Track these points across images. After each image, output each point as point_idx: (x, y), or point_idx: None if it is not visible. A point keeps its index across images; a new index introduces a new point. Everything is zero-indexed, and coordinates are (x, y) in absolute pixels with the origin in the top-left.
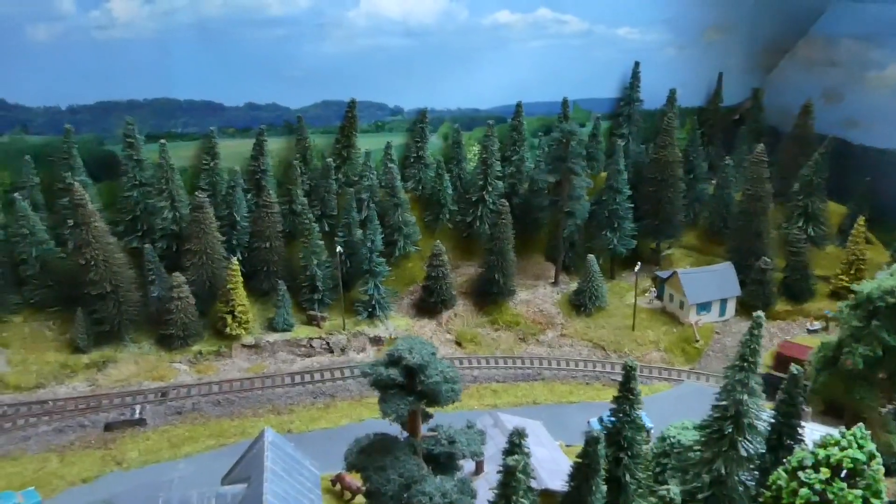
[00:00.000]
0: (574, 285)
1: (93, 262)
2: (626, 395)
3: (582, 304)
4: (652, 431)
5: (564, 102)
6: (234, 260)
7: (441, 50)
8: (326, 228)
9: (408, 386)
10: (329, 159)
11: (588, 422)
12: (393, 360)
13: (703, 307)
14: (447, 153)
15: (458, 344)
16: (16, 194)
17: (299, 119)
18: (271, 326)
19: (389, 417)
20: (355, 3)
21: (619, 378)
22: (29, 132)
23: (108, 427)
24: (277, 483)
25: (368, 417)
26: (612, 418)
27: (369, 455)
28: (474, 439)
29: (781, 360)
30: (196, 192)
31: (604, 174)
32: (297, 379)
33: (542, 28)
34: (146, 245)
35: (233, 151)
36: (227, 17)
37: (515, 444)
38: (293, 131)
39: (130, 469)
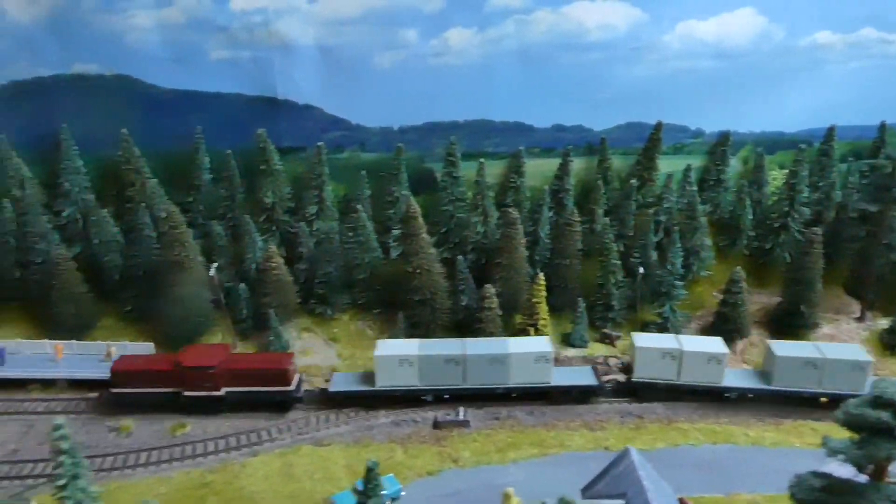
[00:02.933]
0: (884, 323)
1: (418, 271)
2: None
3: None
4: None
5: (882, 127)
6: (541, 275)
7: (751, 72)
8: (622, 248)
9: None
10: (633, 181)
11: None
12: (884, 402)
13: None
14: (747, 177)
15: None
16: (358, 205)
17: (602, 141)
18: (567, 342)
19: (842, 457)
20: (671, 27)
21: None
22: (365, 150)
23: (437, 425)
24: (659, 501)
25: (683, 443)
26: None
27: (831, 495)
28: None
29: None
30: (508, 209)
31: None
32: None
33: (863, 48)
34: (458, 256)
35: (536, 170)
36: (548, 43)
37: None
38: (595, 152)
39: (466, 468)
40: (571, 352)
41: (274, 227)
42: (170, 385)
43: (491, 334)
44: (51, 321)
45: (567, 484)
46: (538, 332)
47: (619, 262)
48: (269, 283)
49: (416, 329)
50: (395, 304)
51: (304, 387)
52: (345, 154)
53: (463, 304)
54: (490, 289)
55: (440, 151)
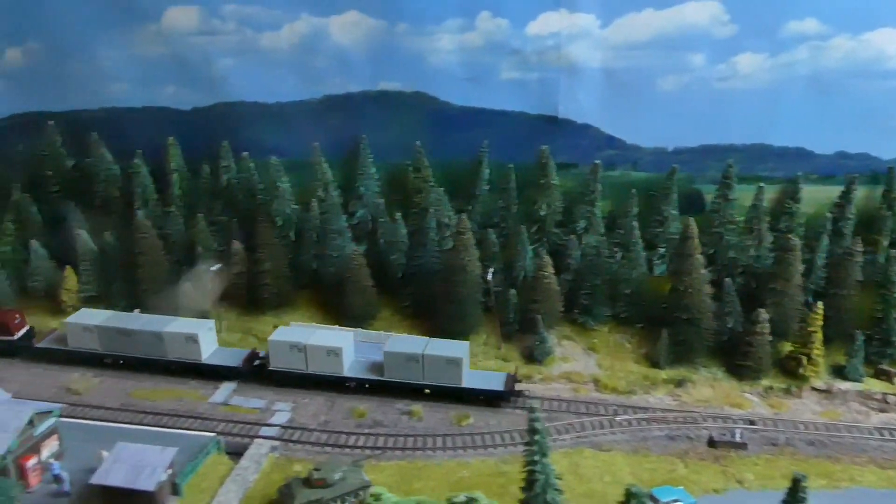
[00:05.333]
0: None
1: (689, 290)
2: None
3: None
4: None
5: None
6: (819, 304)
7: None
8: None
9: None
10: None
11: None
12: None
13: None
14: None
15: None
16: (633, 222)
17: (890, 170)
18: (841, 374)
19: None
20: None
21: None
22: (636, 168)
23: (712, 443)
24: None
25: None
26: None
27: None
28: None
29: None
30: (788, 235)
31: None
32: (887, 434)
33: None
34: (726, 279)
35: (811, 196)
36: (843, 69)
37: None
38: (879, 181)
39: (752, 490)
40: (845, 385)
41: (544, 238)
42: None
43: (759, 359)
44: (340, 309)
45: None
46: (811, 362)
47: None
48: (538, 291)
49: (680, 346)
50: (659, 321)
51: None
52: (616, 172)
53: (728, 325)
54: (763, 314)
55: (712, 174)
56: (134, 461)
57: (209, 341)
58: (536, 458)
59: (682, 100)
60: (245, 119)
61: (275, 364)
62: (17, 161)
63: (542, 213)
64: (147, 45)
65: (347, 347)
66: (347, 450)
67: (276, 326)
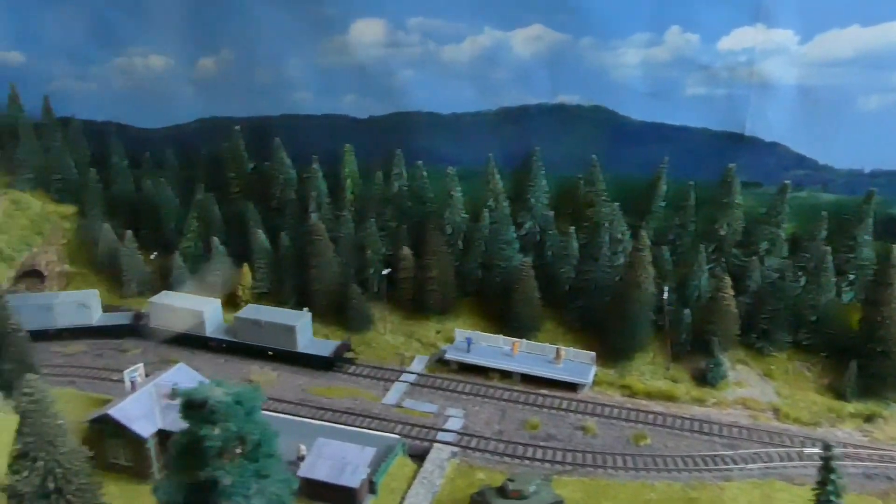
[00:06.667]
0: None
1: (885, 320)
2: None
3: None
4: None
5: None
6: None
7: None
8: None
9: None
10: None
11: None
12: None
13: None
14: None
15: None
16: (826, 247)
17: None
18: None
19: None
20: None
21: None
22: (826, 190)
23: None
24: None
25: None
26: None
27: None
28: None
29: None
30: None
31: None
32: None
33: None
34: None
35: None
36: None
37: None
38: None
39: None
40: None
41: (722, 258)
42: None
43: None
44: (505, 319)
45: None
46: None
47: None
48: (715, 312)
49: (870, 379)
50: (846, 351)
51: None
52: (803, 193)
53: None
54: None
55: None
56: (336, 457)
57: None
58: (832, 498)
59: (884, 120)
60: (419, 128)
61: (155, 323)
62: (201, 163)
63: (722, 232)
64: (332, 55)
65: (208, 312)
66: (526, 462)
67: (438, 332)
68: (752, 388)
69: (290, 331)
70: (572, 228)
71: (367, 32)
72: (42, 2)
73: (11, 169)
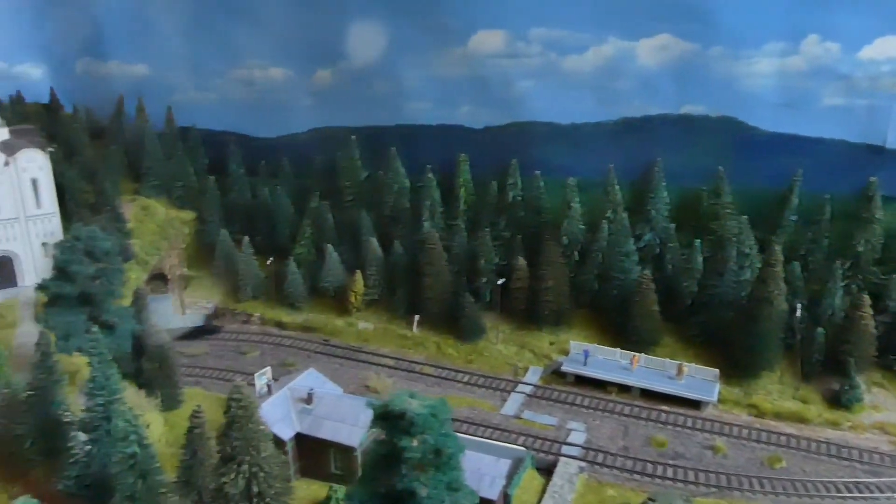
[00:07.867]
0: None
1: None
2: None
3: None
4: None
5: None
6: None
7: None
8: None
9: None
10: None
11: None
12: None
13: None
14: None
15: None
16: None
17: None
18: None
19: None
20: None
21: None
22: None
23: None
24: None
25: None
26: None
27: None
28: None
29: None
30: None
31: None
32: None
33: None
34: None
35: None
36: None
37: None
38: None
39: None
40: None
41: (858, 276)
42: None
43: None
44: (622, 332)
45: None
46: None
47: None
48: (851, 331)
49: None
50: None
51: None
52: None
53: None
54: None
55: None
56: (472, 469)
57: None
58: None
59: None
60: (536, 138)
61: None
62: (316, 171)
63: (860, 248)
64: (450, 66)
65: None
66: (657, 480)
67: (552, 343)
68: (889, 412)
69: None
70: (697, 241)
71: (486, 43)
72: (166, 17)
73: (138, 177)
